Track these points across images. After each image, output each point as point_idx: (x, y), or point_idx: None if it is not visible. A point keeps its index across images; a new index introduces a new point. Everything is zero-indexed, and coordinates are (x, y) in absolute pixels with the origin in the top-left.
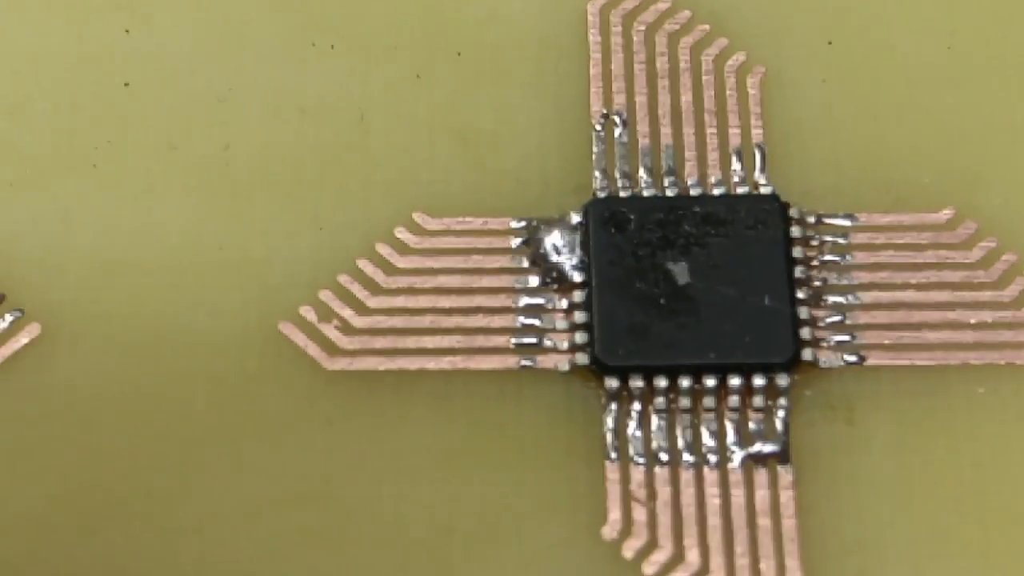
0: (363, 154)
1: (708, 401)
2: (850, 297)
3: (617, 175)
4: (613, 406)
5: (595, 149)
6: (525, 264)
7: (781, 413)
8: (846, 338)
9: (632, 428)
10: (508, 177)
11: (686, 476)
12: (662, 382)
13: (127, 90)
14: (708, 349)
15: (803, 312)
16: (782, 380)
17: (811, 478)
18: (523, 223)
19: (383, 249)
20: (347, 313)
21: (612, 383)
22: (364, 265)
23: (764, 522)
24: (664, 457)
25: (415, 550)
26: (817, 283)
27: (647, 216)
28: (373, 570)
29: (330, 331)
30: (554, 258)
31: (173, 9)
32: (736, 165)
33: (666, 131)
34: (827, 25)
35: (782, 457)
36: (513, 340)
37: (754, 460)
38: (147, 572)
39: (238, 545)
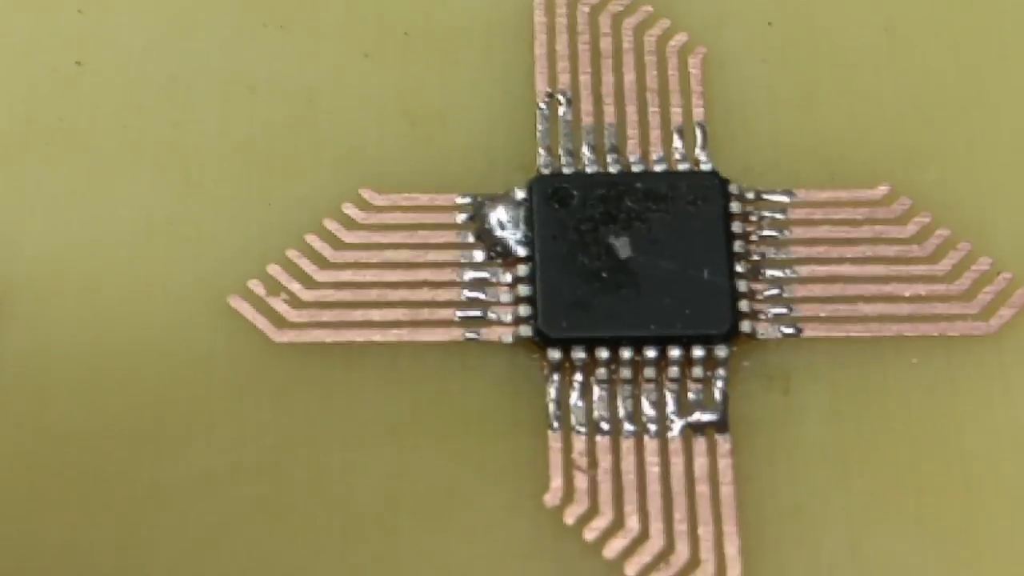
0: (312, 132)
1: (648, 372)
2: (788, 271)
3: (561, 152)
4: (556, 377)
5: (540, 127)
6: (470, 239)
7: (720, 383)
8: (783, 310)
9: (574, 398)
10: (454, 154)
11: (627, 445)
12: (604, 353)
13: (79, 69)
14: (649, 321)
15: (742, 285)
16: (721, 351)
17: (749, 446)
18: (468, 199)
19: (331, 224)
20: (295, 287)
21: (555, 355)
22: (312, 240)
23: (703, 489)
24: (605, 426)
25: (363, 519)
26: (756, 257)
27: (590, 192)
28: (322, 538)
29: (278, 304)
30: (499, 233)
31: None
32: (678, 143)
33: (609, 110)
34: (767, 6)
35: (720, 426)
36: (458, 313)
37: (693, 429)
38: (99, 544)
39: (189, 516)
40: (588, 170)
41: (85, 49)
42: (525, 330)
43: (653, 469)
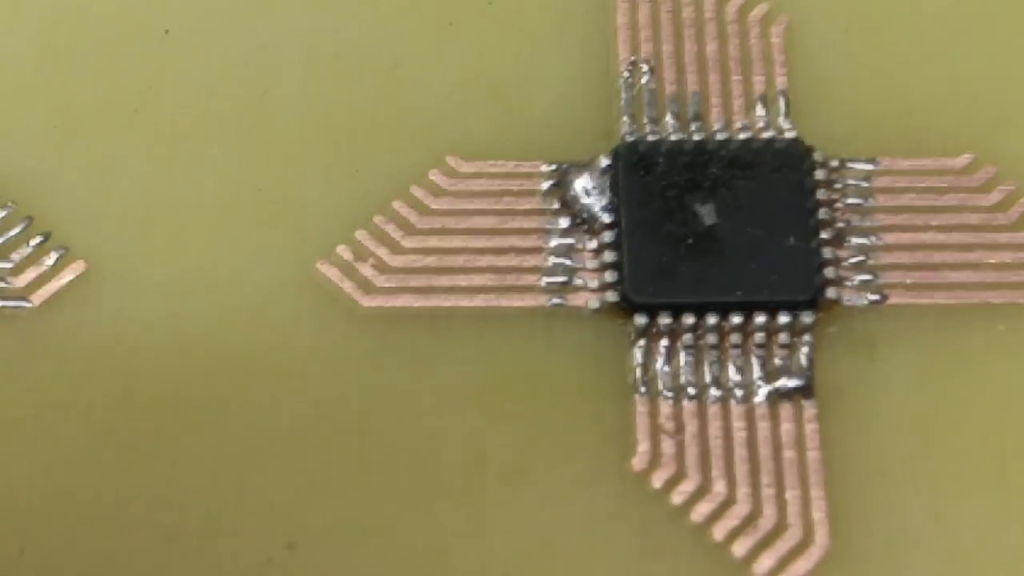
0: (397, 100)
1: (734, 338)
2: (872, 238)
3: (645, 120)
4: (642, 342)
5: (623, 95)
6: (555, 206)
7: (805, 349)
8: (868, 277)
9: (660, 364)
10: (538, 122)
11: (713, 410)
12: (689, 319)
13: (167, 37)
14: (734, 287)
15: (826, 252)
16: (806, 317)
17: (834, 412)
18: (553, 166)
19: (417, 191)
20: (382, 252)
21: (641, 320)
22: (399, 206)
23: (789, 454)
24: (691, 392)
25: (448, 483)
26: (840, 224)
27: (675, 159)
28: (408, 503)
29: (366, 270)
30: (584, 200)
31: None
32: (761, 111)
33: (692, 78)
34: None
35: (806, 392)
36: (544, 279)
37: (779, 395)
38: (190, 503)
39: (279, 477)
40: (672, 137)
41: (173, 17)
42: (611, 296)
43: (740, 434)
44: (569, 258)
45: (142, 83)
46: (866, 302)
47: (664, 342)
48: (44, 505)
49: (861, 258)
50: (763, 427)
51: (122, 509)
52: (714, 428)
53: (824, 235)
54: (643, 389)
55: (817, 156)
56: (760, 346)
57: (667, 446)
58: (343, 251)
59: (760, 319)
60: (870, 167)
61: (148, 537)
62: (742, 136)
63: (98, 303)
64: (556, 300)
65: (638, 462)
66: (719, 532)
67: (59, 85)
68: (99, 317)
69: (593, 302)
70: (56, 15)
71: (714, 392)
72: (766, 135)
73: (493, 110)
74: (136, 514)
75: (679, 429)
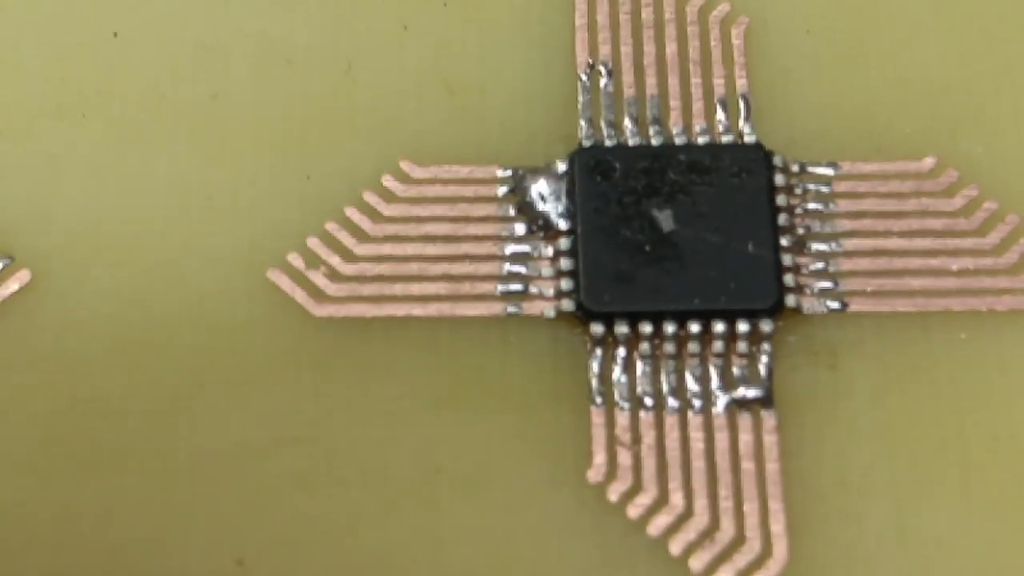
0: (350, 103)
1: (692, 346)
2: (833, 244)
3: (603, 124)
4: (598, 351)
5: (581, 99)
6: (511, 212)
7: (765, 358)
8: (829, 285)
9: (617, 373)
10: (494, 126)
11: (671, 420)
12: (647, 328)
13: (116, 40)
14: (693, 295)
15: (787, 259)
16: (766, 326)
17: (794, 422)
18: (509, 172)
19: (370, 197)
20: (334, 260)
21: (597, 329)
22: (351, 213)
23: (748, 465)
24: (649, 402)
25: (402, 494)
26: (801, 230)
27: (632, 164)
28: (361, 513)
29: (317, 278)
30: (540, 206)
31: None
32: (721, 114)
33: (651, 81)
34: None
35: (765, 402)
36: (499, 287)
37: (738, 405)
38: (135, 516)
39: (226, 490)
40: (630, 142)
41: (122, 20)
42: (567, 304)
43: (698, 445)
44: (525, 265)
45: (90, 87)
46: (827, 310)
47: (621, 351)
48: None
49: (822, 265)
50: (721, 438)
51: (65, 523)
52: (672, 439)
53: (784, 241)
54: (599, 399)
55: (777, 160)
56: (719, 355)
57: (624, 457)
58: (294, 259)
59: (719, 327)
60: (831, 172)
61: (92, 552)
62: (701, 140)
63: (43, 313)
64: (512, 308)
65: (594, 474)
66: (676, 546)
67: (5, 89)
68: (44, 327)
69: (549, 311)
70: (1, 16)
71: (672, 402)
72: (726, 139)
73: (448, 114)
74: (80, 529)
75: (636, 440)
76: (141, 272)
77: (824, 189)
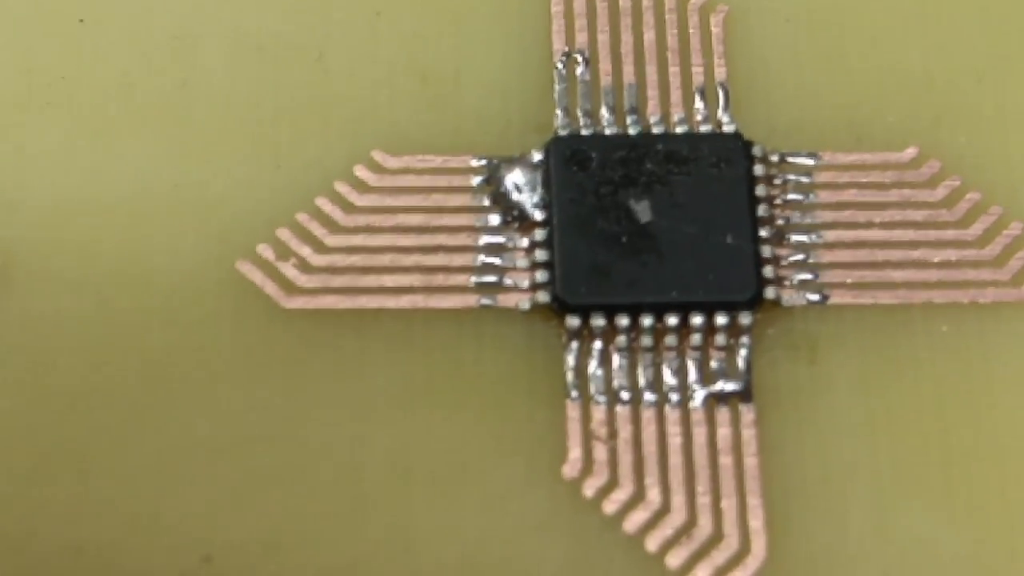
0: (322, 93)
1: (670, 339)
2: (813, 236)
3: (579, 113)
4: (574, 345)
5: (557, 87)
6: (486, 203)
7: (743, 352)
8: (809, 277)
9: (593, 367)
10: (468, 115)
11: (647, 415)
12: (624, 320)
13: (82, 26)
14: (670, 287)
15: (766, 251)
16: (744, 318)
17: (774, 417)
18: (484, 161)
19: (342, 187)
20: (305, 251)
21: (573, 322)
22: (323, 203)
23: (726, 460)
24: (625, 396)
25: (374, 490)
26: (780, 222)
27: (609, 154)
28: (332, 511)
29: (288, 270)
30: (515, 196)
31: None
32: (699, 104)
33: (628, 70)
34: None
35: (744, 395)
36: (473, 279)
37: (716, 398)
38: (101, 512)
39: (195, 486)
40: (607, 132)
41: (88, 6)
42: (542, 296)
43: (675, 440)
44: (500, 257)
45: (55, 74)
46: (806, 302)
47: (597, 344)
48: None
49: (801, 256)
50: (699, 432)
51: (30, 520)
52: (648, 433)
53: (763, 233)
54: (575, 393)
55: (757, 151)
56: (697, 348)
57: (600, 452)
58: (264, 250)
59: (697, 320)
60: (811, 162)
61: (58, 550)
62: (679, 130)
63: (9, 302)
64: (486, 300)
65: (569, 469)
66: (653, 542)
67: None
68: (10, 317)
69: (524, 303)
70: None
71: (649, 396)
72: (704, 129)
73: (421, 103)
74: (46, 526)
75: (612, 435)
76: (108, 264)
77: (804, 179)
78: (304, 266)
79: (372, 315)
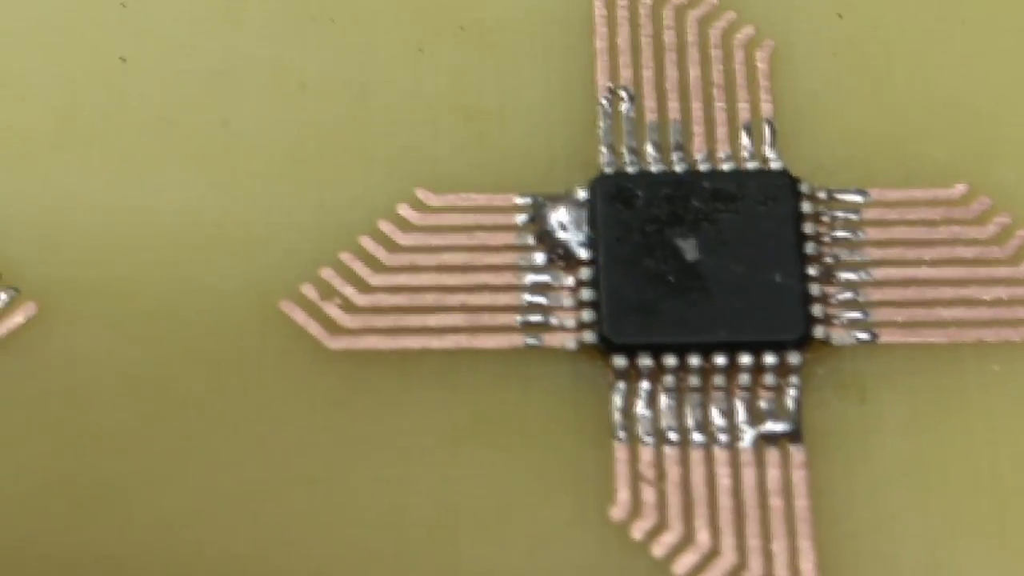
0: (365, 130)
1: (718, 379)
2: (862, 274)
3: (624, 150)
4: (621, 385)
5: (601, 124)
6: (531, 241)
7: (793, 392)
8: (858, 315)
9: (641, 407)
10: (513, 153)
11: (696, 456)
12: (671, 360)
13: (124, 65)
14: (718, 327)
15: (814, 289)
16: (793, 358)
17: (824, 457)
18: (528, 199)
19: (385, 226)
20: (349, 291)
21: (620, 361)
22: (366, 242)
23: (776, 503)
24: (673, 436)
25: (420, 532)
26: (828, 259)
27: (655, 192)
28: (378, 553)
29: (332, 309)
30: (560, 235)
31: None
32: (745, 140)
33: (674, 106)
34: None
35: (794, 436)
36: (519, 318)
37: (765, 439)
38: (144, 556)
39: (238, 529)
40: (652, 169)
41: (129, 45)
42: (589, 336)
43: (724, 481)
44: (545, 296)
45: (97, 114)
46: (856, 341)
47: (645, 384)
48: None
49: (850, 295)
50: (749, 474)
51: (71, 563)
52: (697, 475)
53: (812, 271)
54: (623, 434)
55: (804, 187)
56: (745, 388)
57: (648, 494)
58: (308, 290)
59: (745, 360)
60: (860, 199)
61: None
62: (726, 167)
63: (50, 346)
64: (531, 340)
65: (618, 511)
66: None
67: (11, 114)
68: (50, 361)
69: (570, 343)
70: (5, 42)
71: (697, 437)
72: (751, 165)
73: (465, 140)
74: (86, 569)
75: (661, 476)
76: (150, 304)
77: (852, 217)
78: (348, 306)
79: (416, 355)
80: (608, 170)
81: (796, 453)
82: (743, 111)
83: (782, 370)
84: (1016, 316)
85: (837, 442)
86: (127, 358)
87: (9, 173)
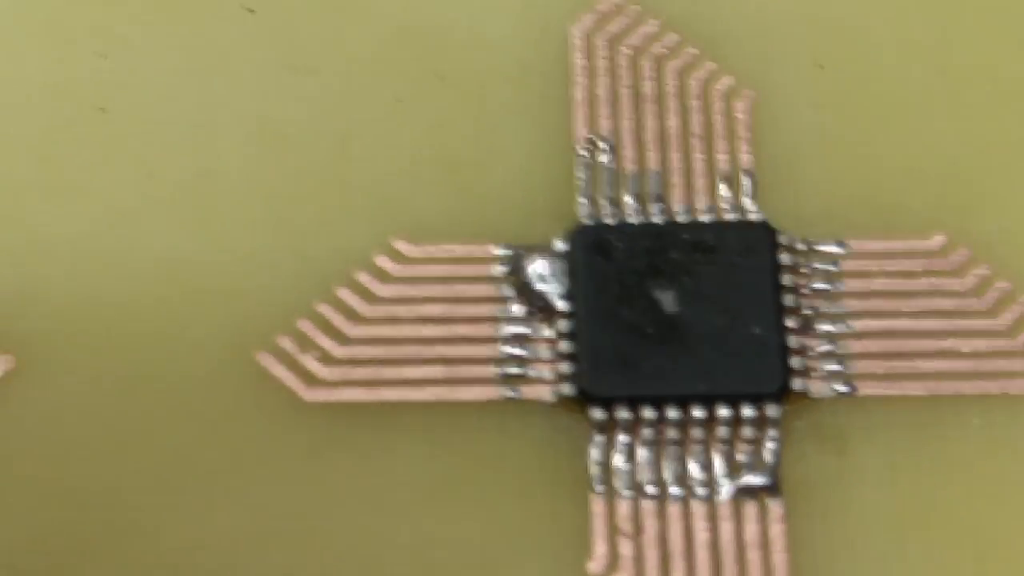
0: (343, 180)
1: (696, 432)
2: (841, 325)
3: (603, 201)
4: (599, 437)
5: (580, 175)
6: (509, 292)
7: (771, 444)
8: (837, 367)
9: (619, 460)
10: (491, 203)
11: (674, 509)
12: (649, 413)
13: (103, 115)
14: (696, 379)
15: (793, 341)
16: (772, 410)
17: (802, 511)
18: (507, 250)
19: (363, 277)
20: (327, 343)
21: (598, 414)
22: (344, 294)
23: (754, 556)
24: (651, 490)
25: None
26: (807, 311)
27: (634, 243)
28: None
29: (309, 361)
30: (539, 286)
31: (150, 33)
32: (724, 191)
33: (653, 156)
34: (817, 49)
35: (772, 490)
36: (497, 370)
37: (744, 493)
38: None
39: None
40: (631, 220)
41: (109, 95)
42: (568, 388)
43: (702, 535)
44: (523, 348)
45: (75, 164)
46: (835, 393)
47: (623, 437)
48: None
49: (829, 347)
50: (726, 527)
51: None
52: (675, 529)
53: (790, 323)
54: (600, 487)
55: (783, 239)
56: (724, 441)
57: (625, 548)
58: (285, 341)
59: (723, 412)
60: (839, 250)
61: None
62: (705, 218)
63: (27, 399)
64: (510, 392)
65: (595, 565)
66: None
67: None
68: (27, 415)
69: (548, 395)
70: None
71: (675, 490)
72: (730, 217)
73: (444, 191)
74: None
75: (638, 530)
76: (128, 356)
77: (831, 268)
78: (325, 358)
79: (394, 407)
80: (587, 221)
81: (774, 506)
82: (722, 162)
83: (760, 422)
84: (995, 368)
85: (816, 494)
86: (105, 411)
87: None
